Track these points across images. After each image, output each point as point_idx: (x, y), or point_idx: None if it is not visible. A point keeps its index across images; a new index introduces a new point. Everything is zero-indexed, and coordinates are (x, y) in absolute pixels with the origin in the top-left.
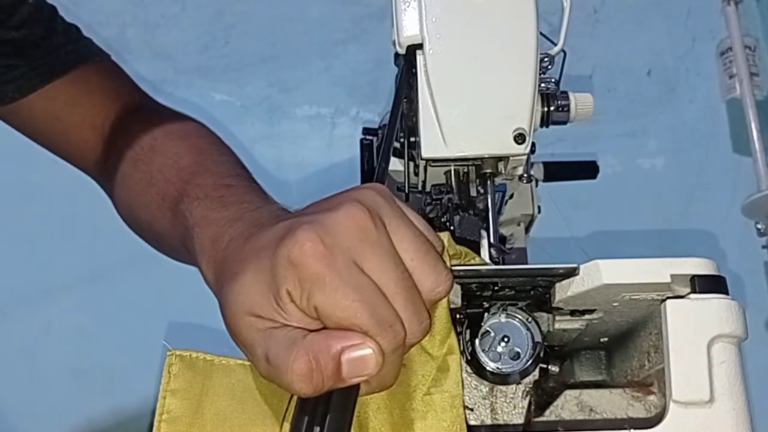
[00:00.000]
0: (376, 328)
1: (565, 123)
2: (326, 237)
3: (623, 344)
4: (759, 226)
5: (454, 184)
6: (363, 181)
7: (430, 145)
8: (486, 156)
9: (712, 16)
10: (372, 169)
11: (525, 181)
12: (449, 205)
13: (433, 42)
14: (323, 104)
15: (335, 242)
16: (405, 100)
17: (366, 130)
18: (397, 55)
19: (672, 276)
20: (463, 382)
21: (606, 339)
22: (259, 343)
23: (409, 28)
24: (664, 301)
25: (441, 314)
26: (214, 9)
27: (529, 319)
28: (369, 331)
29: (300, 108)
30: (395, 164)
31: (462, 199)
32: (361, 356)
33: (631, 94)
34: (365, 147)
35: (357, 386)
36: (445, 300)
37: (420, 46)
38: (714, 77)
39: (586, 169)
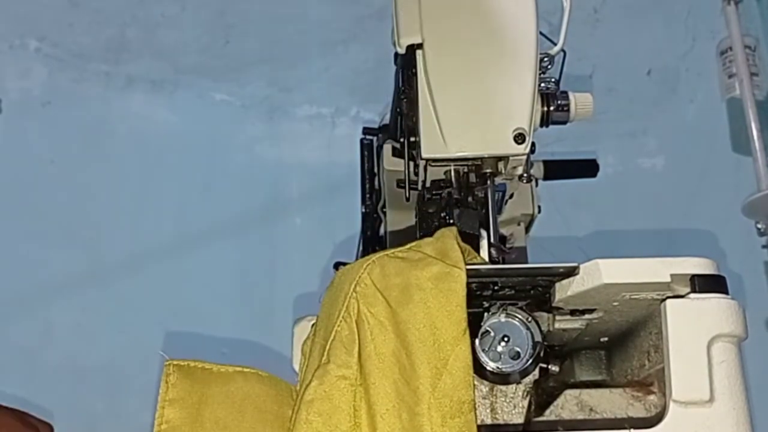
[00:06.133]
0: None
1: (565, 123)
2: None
3: (623, 344)
4: (759, 226)
5: (453, 180)
6: (363, 180)
7: (430, 145)
8: (486, 156)
9: (712, 16)
10: (373, 173)
11: (525, 181)
12: (449, 199)
13: (433, 42)
14: (323, 104)
15: None
16: (404, 100)
17: (366, 130)
18: (397, 54)
19: (672, 276)
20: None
21: (606, 339)
22: None
23: (409, 28)
24: (664, 300)
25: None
26: (214, 9)
27: (529, 319)
28: None
29: (300, 108)
30: (395, 164)
31: (461, 193)
32: None
33: (631, 94)
34: (365, 147)
35: None
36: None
37: (420, 45)
38: (714, 77)
39: (586, 168)
